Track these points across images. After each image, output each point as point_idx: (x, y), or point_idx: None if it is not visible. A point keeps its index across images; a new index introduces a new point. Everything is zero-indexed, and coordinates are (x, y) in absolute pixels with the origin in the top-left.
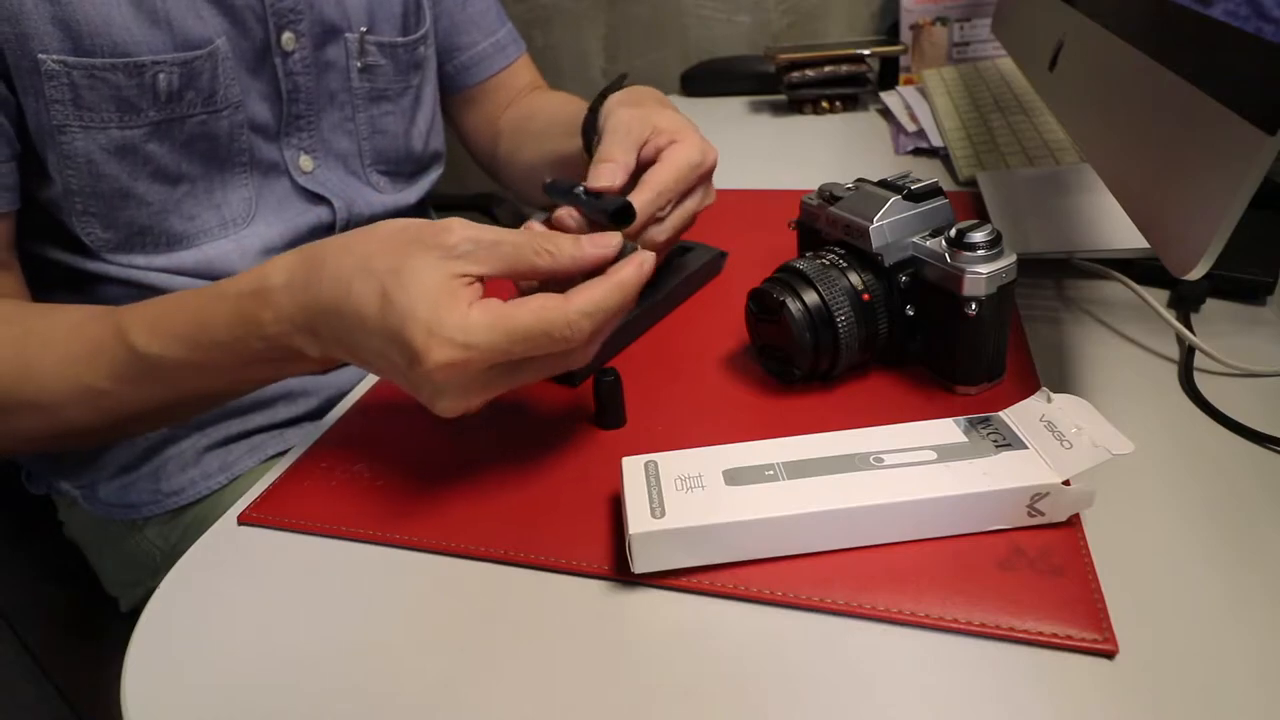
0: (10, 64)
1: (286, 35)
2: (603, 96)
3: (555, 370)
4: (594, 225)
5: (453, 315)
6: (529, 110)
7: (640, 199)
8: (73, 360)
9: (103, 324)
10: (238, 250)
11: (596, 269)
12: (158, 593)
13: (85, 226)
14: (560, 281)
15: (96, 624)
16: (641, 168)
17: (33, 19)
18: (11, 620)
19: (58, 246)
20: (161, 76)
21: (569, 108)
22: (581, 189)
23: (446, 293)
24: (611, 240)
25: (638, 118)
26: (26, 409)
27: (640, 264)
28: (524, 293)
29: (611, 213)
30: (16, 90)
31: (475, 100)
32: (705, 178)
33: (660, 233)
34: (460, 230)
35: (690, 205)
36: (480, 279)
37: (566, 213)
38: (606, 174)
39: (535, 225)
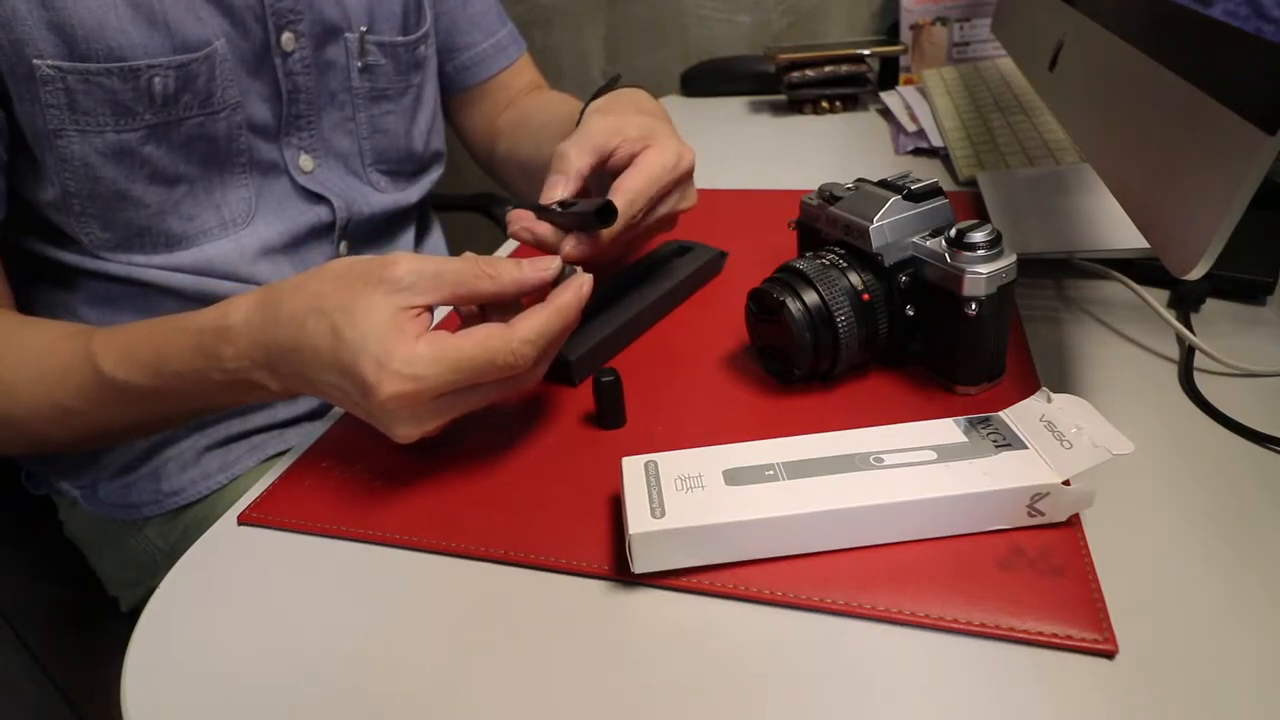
0: (5, 70)
1: (286, 35)
2: (592, 100)
3: (506, 394)
4: (568, 233)
5: (400, 349)
6: (527, 110)
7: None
8: (44, 378)
9: (74, 345)
10: (237, 250)
11: (538, 291)
12: (158, 593)
13: (84, 227)
14: (502, 307)
15: (96, 624)
16: (614, 174)
17: (27, 24)
18: (11, 620)
19: (55, 245)
20: (157, 80)
21: (564, 108)
22: (555, 205)
23: (394, 327)
24: (551, 263)
25: (606, 126)
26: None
27: (579, 287)
28: (464, 319)
29: (594, 212)
30: (11, 97)
31: (475, 100)
32: (682, 180)
33: (636, 237)
34: (405, 264)
35: (665, 208)
36: (428, 309)
37: (519, 223)
38: (555, 186)
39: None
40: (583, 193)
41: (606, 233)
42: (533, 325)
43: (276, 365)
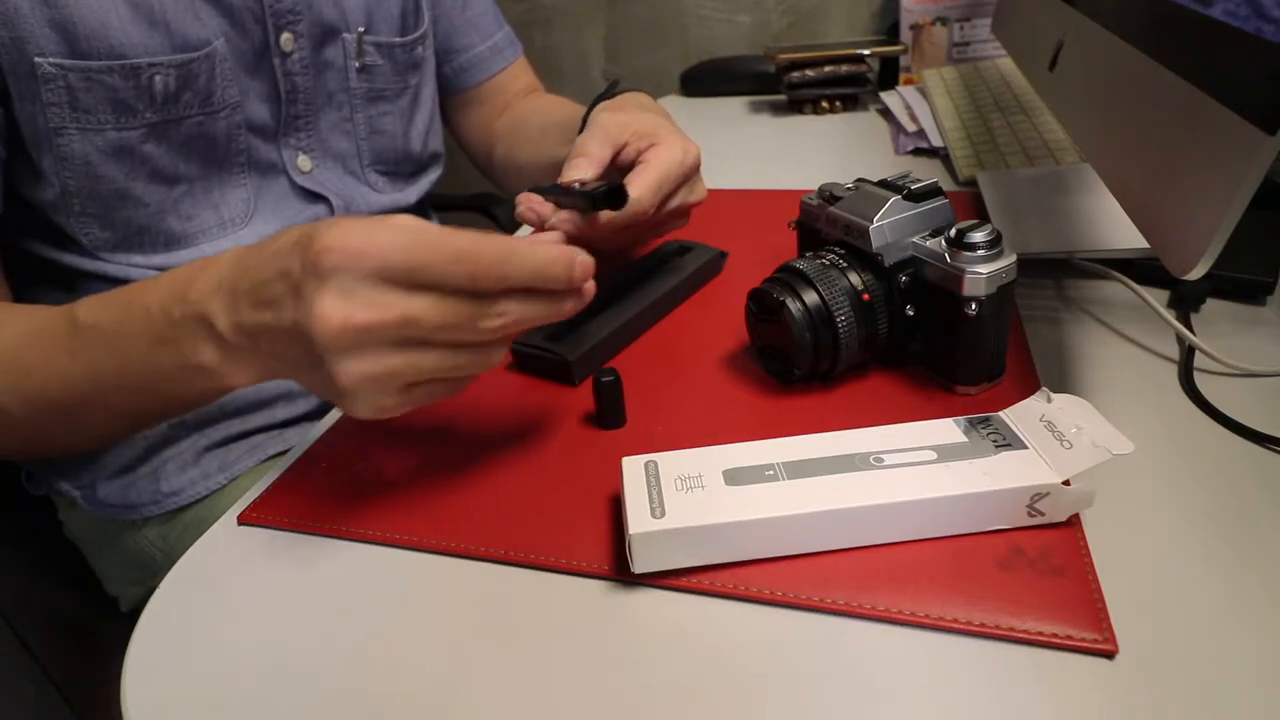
0: (6, 68)
1: (285, 36)
2: (594, 105)
3: (463, 369)
4: (577, 211)
5: (361, 220)
6: (525, 114)
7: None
8: (19, 344)
9: (61, 309)
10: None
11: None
12: (158, 593)
13: (83, 227)
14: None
15: (96, 624)
16: (622, 171)
17: (29, 22)
18: (11, 620)
19: (55, 246)
20: (158, 78)
21: (563, 112)
22: (576, 185)
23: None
24: (551, 238)
25: (616, 121)
26: None
27: (583, 263)
28: None
29: (604, 193)
30: (11, 95)
31: (472, 103)
32: (689, 175)
33: (646, 232)
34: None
35: (674, 203)
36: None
37: (526, 204)
38: (579, 166)
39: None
40: (601, 180)
41: (605, 218)
42: (528, 262)
43: (236, 282)
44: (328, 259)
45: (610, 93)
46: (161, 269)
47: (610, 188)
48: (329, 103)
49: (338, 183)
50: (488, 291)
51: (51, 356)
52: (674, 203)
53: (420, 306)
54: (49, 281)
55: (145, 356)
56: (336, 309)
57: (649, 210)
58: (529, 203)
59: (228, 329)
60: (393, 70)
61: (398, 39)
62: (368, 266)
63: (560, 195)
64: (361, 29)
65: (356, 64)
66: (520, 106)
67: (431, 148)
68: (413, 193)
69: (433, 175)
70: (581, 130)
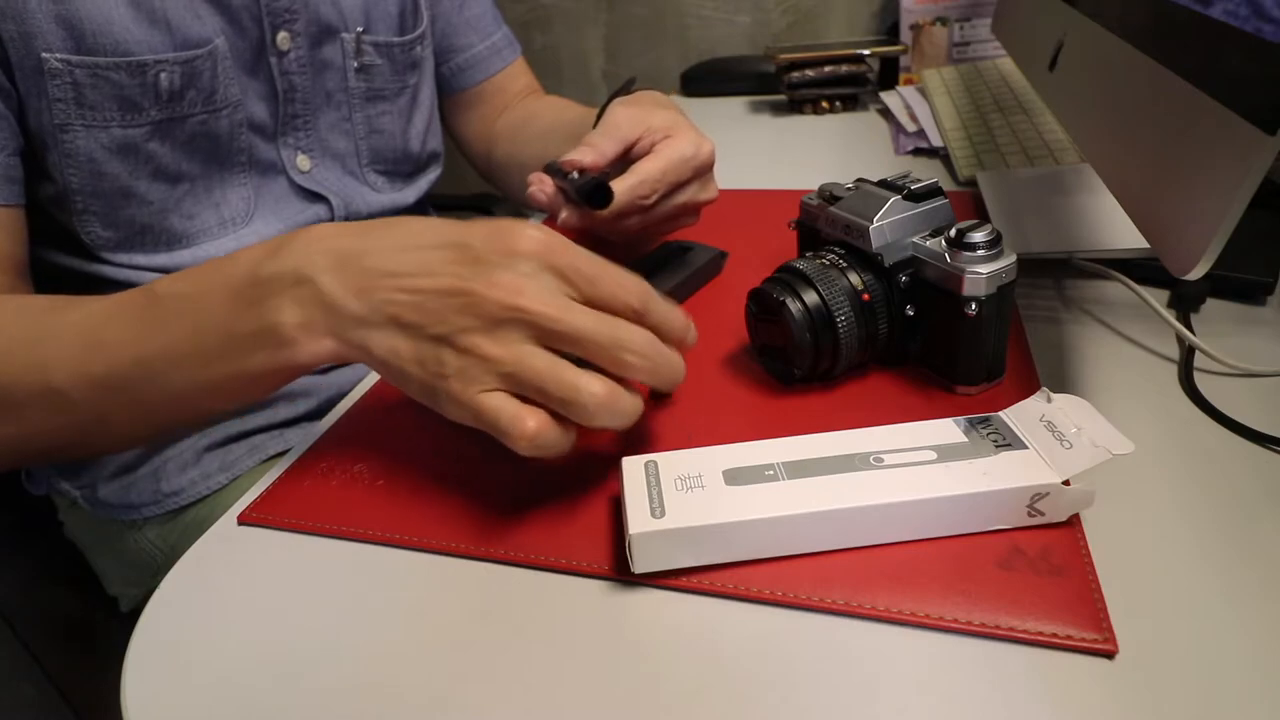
0: (14, 62)
1: (282, 35)
2: (609, 101)
3: (566, 398)
4: (572, 203)
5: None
6: (527, 114)
7: (623, 185)
8: (97, 317)
9: (139, 288)
10: (238, 248)
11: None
12: (158, 593)
13: (85, 225)
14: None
15: (96, 624)
16: (635, 162)
17: (36, 17)
18: (11, 620)
19: (56, 248)
20: (163, 76)
21: (569, 113)
22: (575, 172)
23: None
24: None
25: (631, 116)
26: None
27: (693, 335)
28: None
29: (588, 190)
30: (19, 89)
31: (471, 103)
32: (701, 171)
33: (646, 221)
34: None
35: (682, 198)
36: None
37: (538, 185)
38: (582, 154)
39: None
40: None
41: (604, 212)
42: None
43: (347, 255)
44: (525, 244)
45: (626, 89)
46: (163, 269)
47: (595, 185)
48: (327, 102)
49: (337, 182)
50: (630, 319)
51: (127, 330)
52: (683, 198)
53: (580, 310)
54: (47, 286)
55: (222, 318)
56: (516, 284)
57: (649, 195)
58: (540, 184)
59: (332, 287)
60: (391, 70)
61: (396, 38)
62: (558, 262)
63: (560, 178)
64: (360, 28)
65: (355, 64)
66: (521, 107)
67: (430, 148)
68: (411, 193)
69: (432, 175)
70: (596, 125)
